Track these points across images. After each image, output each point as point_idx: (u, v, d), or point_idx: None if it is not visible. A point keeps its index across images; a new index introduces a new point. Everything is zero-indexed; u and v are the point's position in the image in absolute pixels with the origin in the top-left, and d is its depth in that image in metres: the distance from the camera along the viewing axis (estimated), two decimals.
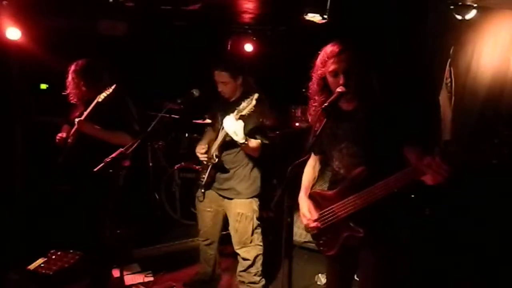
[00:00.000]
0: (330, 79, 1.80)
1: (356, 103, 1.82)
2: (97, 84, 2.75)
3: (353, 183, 1.78)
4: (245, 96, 2.63)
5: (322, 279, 3.22)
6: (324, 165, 2.12)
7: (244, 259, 2.88)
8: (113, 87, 2.66)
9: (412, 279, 2.78)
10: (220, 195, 2.87)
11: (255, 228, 2.86)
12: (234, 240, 2.88)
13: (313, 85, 1.88)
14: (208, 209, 2.96)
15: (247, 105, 2.36)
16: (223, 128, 2.54)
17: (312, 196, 2.01)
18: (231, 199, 2.82)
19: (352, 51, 1.75)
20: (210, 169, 2.80)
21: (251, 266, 2.87)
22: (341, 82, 1.75)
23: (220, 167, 2.79)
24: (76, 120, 2.70)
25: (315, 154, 2.09)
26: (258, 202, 2.90)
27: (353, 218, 1.79)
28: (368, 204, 1.72)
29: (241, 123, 2.39)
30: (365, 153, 1.79)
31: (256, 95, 2.35)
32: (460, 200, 2.86)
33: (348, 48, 1.76)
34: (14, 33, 3.15)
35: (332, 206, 1.85)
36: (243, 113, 2.36)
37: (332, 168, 1.95)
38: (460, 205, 2.90)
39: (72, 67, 2.80)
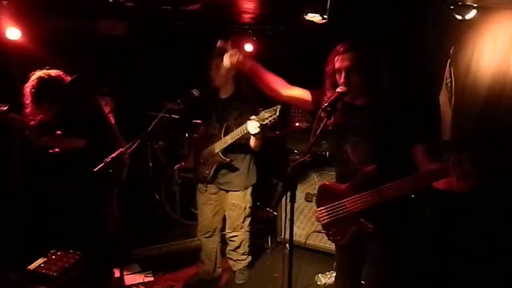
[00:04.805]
0: (336, 76, 1.82)
1: (367, 100, 1.83)
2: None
3: (365, 180, 1.79)
4: (239, 96, 2.90)
5: (322, 279, 3.22)
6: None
7: (232, 241, 3.23)
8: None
9: (413, 277, 2.79)
10: (219, 188, 3.07)
11: (247, 216, 3.17)
12: (227, 225, 3.21)
13: (325, 81, 1.91)
14: (209, 202, 3.12)
15: (270, 116, 2.45)
16: (233, 129, 2.75)
17: (323, 188, 2.04)
18: (227, 191, 3.06)
19: (355, 50, 1.77)
20: (217, 166, 2.94)
21: (238, 247, 3.25)
22: (341, 81, 1.77)
23: (226, 164, 2.93)
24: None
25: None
26: (252, 191, 3.16)
27: (363, 214, 1.82)
28: (378, 203, 1.75)
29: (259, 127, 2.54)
30: (375, 150, 1.81)
31: (279, 107, 2.45)
32: (460, 200, 2.86)
33: (351, 48, 1.77)
34: (14, 33, 3.15)
35: (343, 200, 1.88)
36: (265, 122, 2.47)
37: (341, 158, 1.97)
38: (460, 205, 2.90)
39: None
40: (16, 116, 2.84)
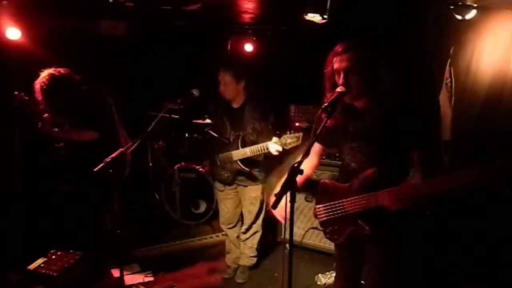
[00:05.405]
0: (336, 77, 1.82)
1: (366, 102, 1.83)
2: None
3: (365, 182, 1.80)
4: (251, 104, 2.93)
5: (322, 279, 3.22)
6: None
7: (244, 233, 3.33)
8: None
9: (413, 277, 2.79)
10: (237, 184, 3.18)
11: (263, 209, 3.30)
12: (245, 220, 3.30)
13: (325, 83, 1.91)
14: (229, 196, 3.25)
15: (293, 142, 2.55)
16: (250, 139, 2.90)
17: (323, 186, 2.04)
18: (246, 186, 3.16)
19: (354, 51, 1.76)
20: (237, 171, 3.04)
21: (248, 239, 3.33)
22: (340, 81, 1.77)
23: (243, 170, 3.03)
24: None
25: (318, 143, 2.11)
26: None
27: (361, 216, 1.83)
28: (376, 205, 1.76)
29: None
30: (376, 152, 1.81)
31: (301, 135, 2.55)
32: (460, 201, 2.87)
33: (349, 48, 1.77)
34: (14, 33, 3.15)
35: (342, 200, 1.88)
36: (287, 147, 2.58)
37: (342, 159, 1.99)
38: (460, 205, 2.90)
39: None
40: (33, 107, 2.89)
